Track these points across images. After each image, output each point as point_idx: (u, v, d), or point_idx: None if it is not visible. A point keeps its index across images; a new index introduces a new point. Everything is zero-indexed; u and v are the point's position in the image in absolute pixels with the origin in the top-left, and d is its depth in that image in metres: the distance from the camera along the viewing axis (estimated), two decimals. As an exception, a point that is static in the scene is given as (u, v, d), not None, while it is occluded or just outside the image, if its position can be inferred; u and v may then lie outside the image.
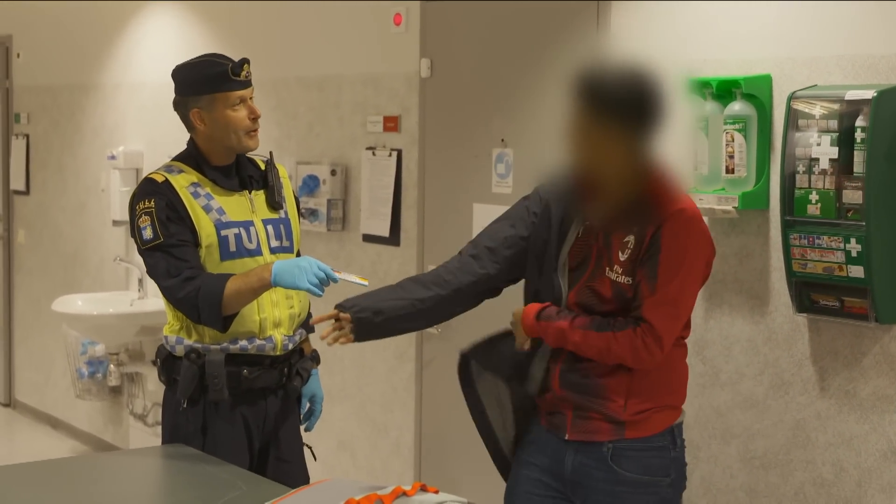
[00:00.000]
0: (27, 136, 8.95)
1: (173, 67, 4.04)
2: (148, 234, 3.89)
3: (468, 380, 3.61)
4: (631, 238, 3.32)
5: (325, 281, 3.74)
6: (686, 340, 3.50)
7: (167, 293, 3.90)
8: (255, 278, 3.80)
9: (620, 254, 3.33)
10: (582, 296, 3.39)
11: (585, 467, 3.41)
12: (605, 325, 3.33)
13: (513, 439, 3.62)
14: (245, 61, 3.98)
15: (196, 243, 3.92)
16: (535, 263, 3.50)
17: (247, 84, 3.98)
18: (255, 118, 3.98)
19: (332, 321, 3.55)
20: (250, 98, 4.00)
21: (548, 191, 3.53)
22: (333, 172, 5.84)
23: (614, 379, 3.36)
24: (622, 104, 3.23)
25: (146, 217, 3.90)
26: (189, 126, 4.03)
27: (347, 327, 3.52)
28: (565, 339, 3.36)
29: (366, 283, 3.79)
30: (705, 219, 4.11)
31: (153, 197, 3.92)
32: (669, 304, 3.30)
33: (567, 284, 3.42)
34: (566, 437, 3.43)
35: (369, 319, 3.52)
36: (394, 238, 5.59)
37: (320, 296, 3.78)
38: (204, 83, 3.96)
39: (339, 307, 3.54)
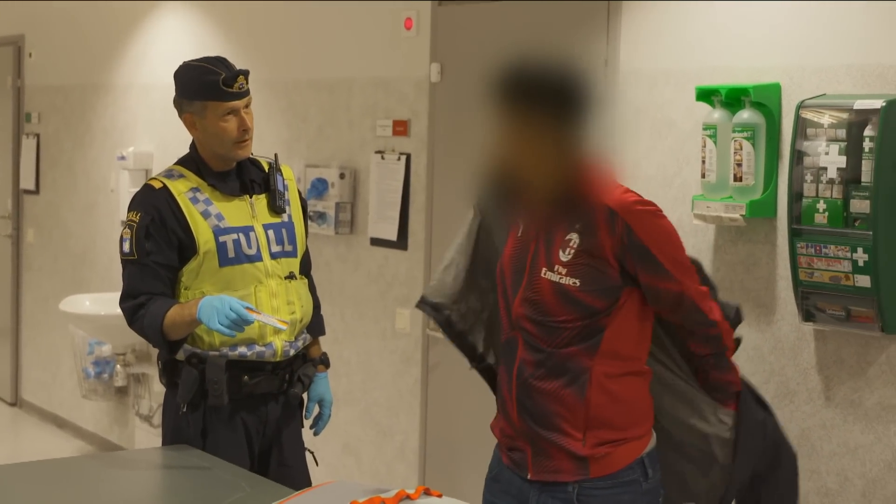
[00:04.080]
0: (38, 136, 8.97)
1: (178, 66, 4.05)
2: (126, 247, 3.95)
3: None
4: (574, 237, 3.14)
5: (238, 321, 3.74)
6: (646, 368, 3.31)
7: (123, 313, 3.99)
8: (187, 312, 3.83)
9: (562, 253, 3.15)
10: (527, 308, 3.21)
11: None
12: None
13: None
14: (240, 73, 3.93)
15: (176, 263, 3.94)
16: (484, 285, 3.45)
17: (239, 96, 3.93)
18: (244, 130, 3.95)
19: None
20: (245, 108, 3.95)
21: (483, 204, 3.45)
22: (342, 175, 5.85)
23: (568, 409, 3.16)
24: (542, 96, 3.09)
25: (128, 230, 3.95)
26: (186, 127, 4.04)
27: None
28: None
29: (284, 326, 3.84)
30: (712, 226, 4.13)
31: (141, 210, 3.94)
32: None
33: (510, 297, 3.27)
34: (528, 477, 3.24)
35: None
36: (401, 242, 5.59)
37: (232, 336, 3.81)
38: (196, 90, 3.94)
39: None
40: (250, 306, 3.79)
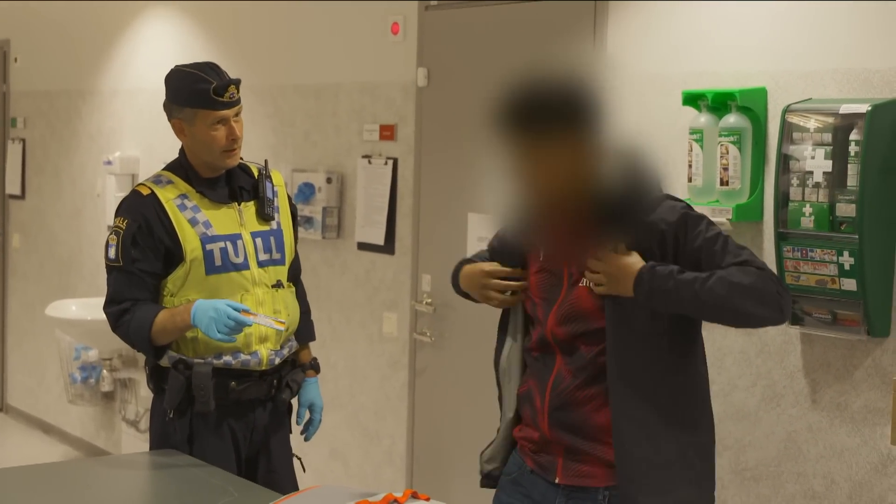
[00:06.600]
0: (24, 141, 8.95)
1: (169, 70, 4.03)
2: (111, 253, 3.95)
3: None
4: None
5: (238, 328, 3.77)
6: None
7: (107, 318, 3.99)
8: (180, 319, 3.85)
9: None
10: (564, 325, 3.15)
11: None
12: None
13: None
14: (231, 83, 3.92)
15: (161, 271, 3.94)
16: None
17: (229, 105, 3.92)
18: (232, 139, 3.94)
19: None
20: (234, 117, 3.94)
21: (500, 239, 3.38)
22: (329, 180, 5.85)
23: (607, 418, 3.09)
24: (557, 117, 2.96)
25: (114, 236, 3.94)
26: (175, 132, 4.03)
27: None
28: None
29: (282, 327, 3.86)
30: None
31: (128, 217, 3.93)
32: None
33: (542, 314, 3.21)
34: (556, 481, 3.18)
35: None
36: (388, 246, 5.59)
37: (232, 341, 3.84)
38: (186, 97, 3.93)
39: None
40: (246, 308, 3.80)
